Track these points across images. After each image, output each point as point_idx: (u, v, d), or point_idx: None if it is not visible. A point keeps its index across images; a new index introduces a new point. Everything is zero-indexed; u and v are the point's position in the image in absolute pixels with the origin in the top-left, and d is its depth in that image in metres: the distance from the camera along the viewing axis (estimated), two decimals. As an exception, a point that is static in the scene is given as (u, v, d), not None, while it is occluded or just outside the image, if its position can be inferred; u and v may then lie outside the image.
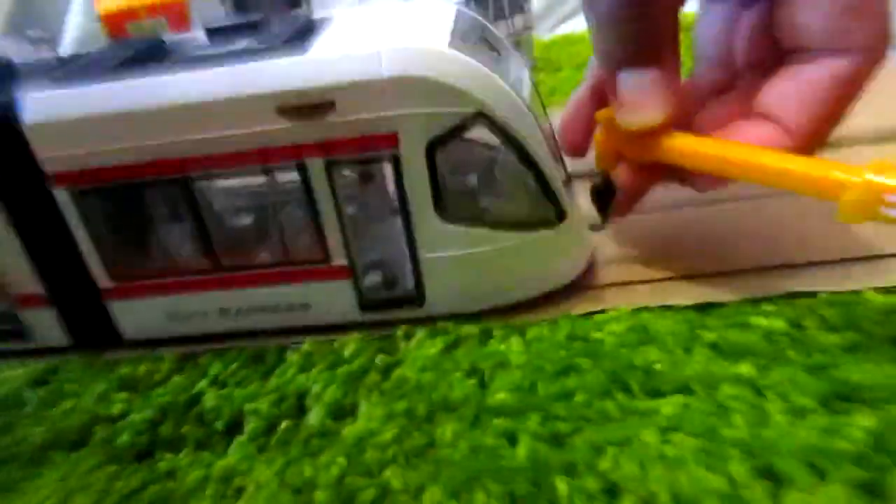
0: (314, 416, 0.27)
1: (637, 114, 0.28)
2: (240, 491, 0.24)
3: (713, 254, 0.33)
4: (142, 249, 0.33)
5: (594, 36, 0.28)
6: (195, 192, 0.29)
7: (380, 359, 0.29)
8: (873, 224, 0.23)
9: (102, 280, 0.31)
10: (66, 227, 0.30)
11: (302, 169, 0.28)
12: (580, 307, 0.31)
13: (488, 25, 0.34)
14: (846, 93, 0.26)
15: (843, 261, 0.30)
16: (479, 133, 0.29)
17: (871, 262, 0.30)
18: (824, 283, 0.29)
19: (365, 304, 0.31)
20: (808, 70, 0.26)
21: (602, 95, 0.31)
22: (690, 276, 0.31)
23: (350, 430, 0.26)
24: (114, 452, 0.27)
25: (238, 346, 0.32)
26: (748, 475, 0.21)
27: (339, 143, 0.28)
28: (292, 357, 0.30)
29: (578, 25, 0.78)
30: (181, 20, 0.58)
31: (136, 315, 0.32)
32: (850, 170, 0.23)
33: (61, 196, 0.29)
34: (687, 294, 0.30)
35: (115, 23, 0.57)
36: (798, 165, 0.25)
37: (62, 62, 0.34)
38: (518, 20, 0.61)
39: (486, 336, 0.30)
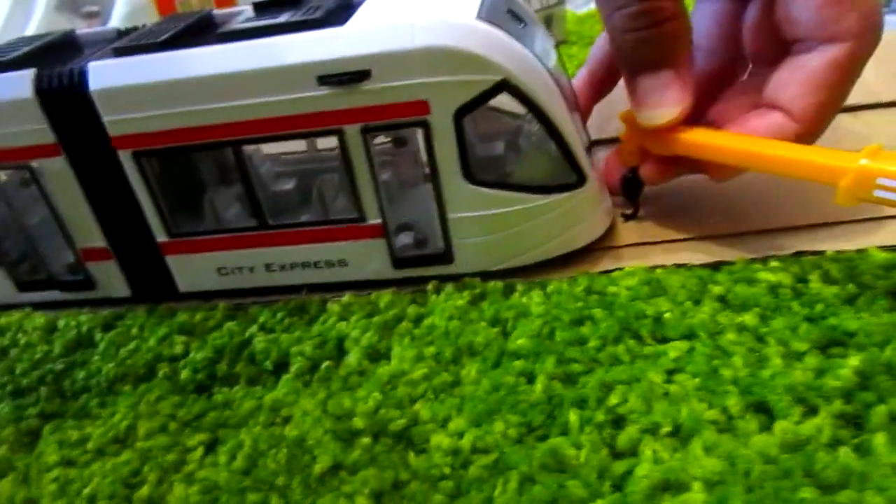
0: (352, 358, 0.30)
1: (654, 112, 0.30)
2: (287, 419, 0.27)
3: (726, 216, 0.34)
4: (195, 208, 0.36)
5: (611, 43, 0.30)
6: (243, 155, 0.32)
7: (412, 309, 0.32)
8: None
9: (160, 236, 0.34)
10: (128, 187, 0.33)
11: (340, 134, 0.31)
12: (599, 265, 0.33)
13: (515, -1, 0.36)
14: (843, 77, 0.28)
15: (849, 222, 0.32)
16: (506, 103, 0.31)
17: (875, 223, 0.31)
18: (830, 242, 0.31)
19: (397, 261, 0.34)
20: (806, 59, 0.29)
21: (600, 81, 0.35)
22: (704, 238, 0.33)
23: (384, 370, 0.29)
24: (176, 386, 0.30)
25: (284, 298, 0.34)
26: (743, 409, 0.23)
27: (374, 110, 0.30)
28: (333, 307, 0.33)
29: None
30: (227, 1, 0.60)
31: (189, 269, 0.35)
32: (846, 157, 0.26)
33: (124, 158, 0.32)
34: (700, 253, 0.32)
35: (165, 2, 0.60)
36: (800, 155, 0.28)
37: (121, 34, 0.37)
38: (551, -7, 0.62)
39: (509, 290, 0.32)
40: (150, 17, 0.45)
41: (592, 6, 0.80)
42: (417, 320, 0.31)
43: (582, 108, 0.36)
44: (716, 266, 0.31)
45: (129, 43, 0.32)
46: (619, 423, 0.24)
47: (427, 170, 0.32)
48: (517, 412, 0.25)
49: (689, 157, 0.31)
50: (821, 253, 0.31)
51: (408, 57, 0.28)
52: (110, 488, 0.25)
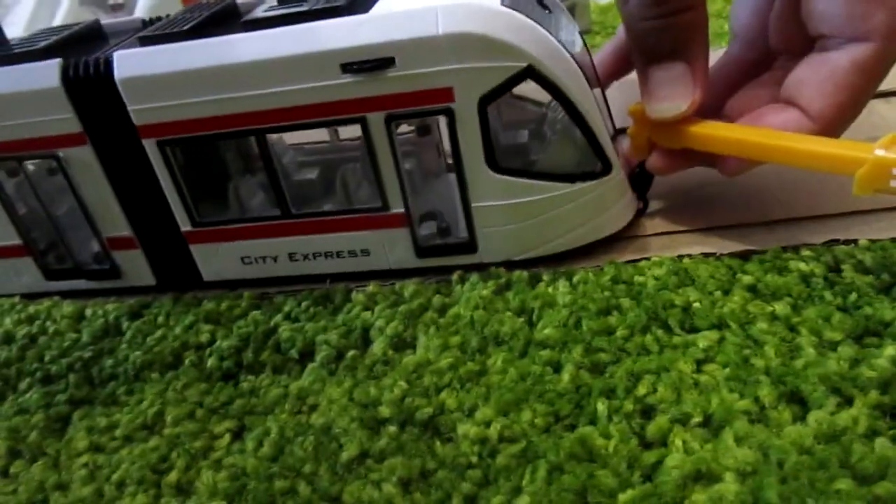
0: (377, 347, 0.30)
1: (664, 106, 0.30)
2: (313, 407, 0.27)
3: (755, 205, 0.34)
4: (219, 197, 0.36)
5: (626, 32, 0.30)
6: (267, 144, 0.32)
7: (437, 299, 0.32)
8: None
9: (184, 225, 0.35)
10: (153, 176, 0.33)
11: (363, 122, 0.30)
12: (625, 255, 0.33)
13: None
14: (867, 79, 0.27)
15: (882, 210, 0.31)
16: (531, 91, 0.31)
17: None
18: (863, 231, 0.30)
19: (421, 250, 0.34)
20: (829, 57, 0.27)
21: (623, 56, 0.34)
22: (733, 226, 0.33)
23: (410, 359, 0.28)
24: (203, 373, 0.30)
25: (309, 288, 0.34)
26: (776, 399, 0.23)
27: (397, 97, 0.30)
28: (358, 297, 0.33)
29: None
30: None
31: (213, 258, 0.36)
32: (861, 147, 0.25)
33: (149, 147, 0.32)
34: (729, 242, 0.32)
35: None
36: (814, 146, 0.27)
37: (146, 24, 0.37)
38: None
39: (535, 280, 0.32)
40: (175, 7, 0.45)
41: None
42: (442, 310, 0.31)
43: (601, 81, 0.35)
44: (745, 255, 0.31)
45: (154, 32, 0.32)
46: (648, 413, 0.24)
47: (450, 159, 0.32)
48: (544, 402, 0.25)
49: (698, 149, 0.31)
50: (854, 242, 0.30)
51: (432, 43, 0.28)
52: (139, 474, 0.26)
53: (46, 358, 0.33)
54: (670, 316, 0.28)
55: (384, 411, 0.26)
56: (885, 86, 0.29)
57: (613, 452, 0.22)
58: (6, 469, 0.28)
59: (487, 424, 0.25)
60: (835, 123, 0.28)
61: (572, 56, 0.30)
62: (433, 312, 0.31)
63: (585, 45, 0.34)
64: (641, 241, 0.34)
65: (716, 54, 0.33)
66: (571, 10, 0.61)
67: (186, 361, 0.31)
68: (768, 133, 0.28)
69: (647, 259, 0.32)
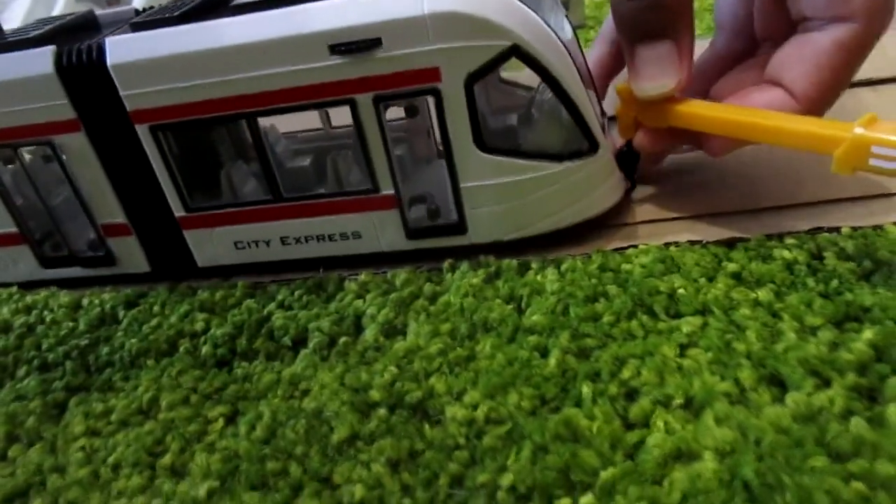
0: (369, 333, 0.30)
1: (650, 84, 0.30)
2: (305, 392, 0.28)
3: (741, 193, 0.34)
4: (212, 182, 0.36)
5: (612, 11, 0.30)
6: (258, 128, 0.32)
7: (427, 287, 0.32)
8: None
9: (178, 211, 0.35)
10: (147, 161, 0.33)
11: (352, 103, 0.31)
12: (613, 243, 0.33)
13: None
14: (848, 59, 0.27)
15: (865, 198, 0.32)
16: (520, 76, 0.31)
17: (891, 199, 0.31)
18: (846, 219, 0.31)
19: (411, 232, 0.34)
20: (812, 38, 0.28)
21: (613, 56, 0.35)
22: (719, 215, 0.33)
23: (400, 345, 0.29)
24: (197, 360, 0.31)
25: (302, 276, 0.35)
26: (756, 381, 0.24)
27: (385, 78, 0.30)
28: (350, 286, 0.33)
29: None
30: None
31: (207, 243, 0.36)
32: (841, 126, 0.26)
33: (141, 132, 0.32)
34: (716, 230, 0.32)
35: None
36: (795, 125, 0.27)
37: (138, 13, 0.37)
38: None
39: (524, 268, 0.33)
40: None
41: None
42: (433, 298, 0.32)
43: (598, 85, 0.36)
44: (731, 243, 0.31)
45: (146, 18, 0.32)
46: (631, 395, 0.25)
47: (439, 142, 0.32)
48: (531, 385, 0.26)
49: (682, 128, 0.31)
50: (837, 229, 0.31)
51: (418, 23, 0.28)
52: (134, 456, 0.26)
53: (44, 346, 0.33)
54: (655, 302, 0.28)
55: (374, 395, 0.26)
56: (872, 74, 0.29)
57: (597, 433, 0.23)
58: (4, 452, 0.28)
59: (475, 407, 0.25)
60: (818, 102, 0.28)
61: (560, 40, 0.30)
62: (424, 300, 0.32)
63: (575, 34, 0.35)
64: (629, 228, 0.34)
65: (701, 45, 0.33)
66: (566, 5, 0.62)
67: (181, 349, 0.31)
68: (751, 112, 0.29)
69: (635, 247, 0.32)
